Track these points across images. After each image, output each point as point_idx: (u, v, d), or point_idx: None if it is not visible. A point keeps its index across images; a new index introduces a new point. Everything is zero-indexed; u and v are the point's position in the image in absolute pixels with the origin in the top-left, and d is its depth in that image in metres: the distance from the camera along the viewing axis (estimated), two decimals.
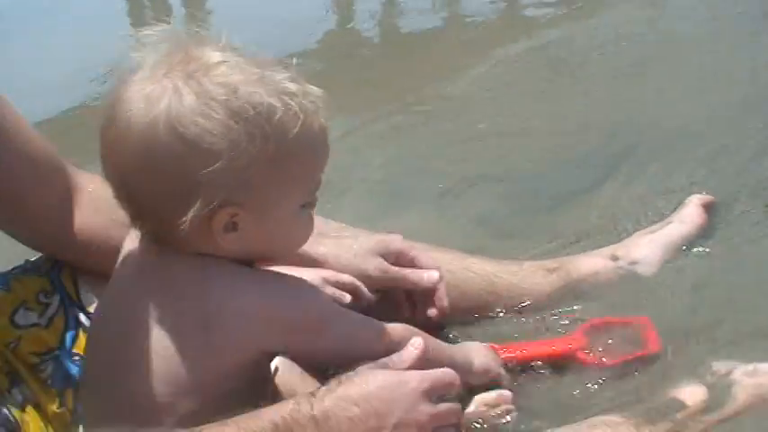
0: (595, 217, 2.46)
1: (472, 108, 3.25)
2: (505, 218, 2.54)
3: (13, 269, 1.69)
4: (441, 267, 1.86)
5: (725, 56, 3.38)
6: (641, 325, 1.90)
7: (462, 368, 1.59)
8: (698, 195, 2.32)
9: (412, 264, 1.82)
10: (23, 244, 1.69)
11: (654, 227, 2.25)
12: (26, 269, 1.70)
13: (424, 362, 1.47)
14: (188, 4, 5.10)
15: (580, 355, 1.86)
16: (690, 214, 2.26)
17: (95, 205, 1.66)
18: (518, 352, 1.86)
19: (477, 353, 1.71)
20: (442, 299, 1.85)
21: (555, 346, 1.89)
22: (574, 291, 2.07)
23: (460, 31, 4.23)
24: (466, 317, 1.99)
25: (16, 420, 1.50)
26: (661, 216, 2.31)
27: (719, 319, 1.94)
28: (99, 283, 1.67)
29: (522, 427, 1.69)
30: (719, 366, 1.77)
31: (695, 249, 2.20)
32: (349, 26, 4.56)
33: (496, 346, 1.82)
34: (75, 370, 1.61)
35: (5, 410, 1.50)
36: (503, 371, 1.74)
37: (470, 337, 1.93)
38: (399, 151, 2.95)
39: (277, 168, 1.34)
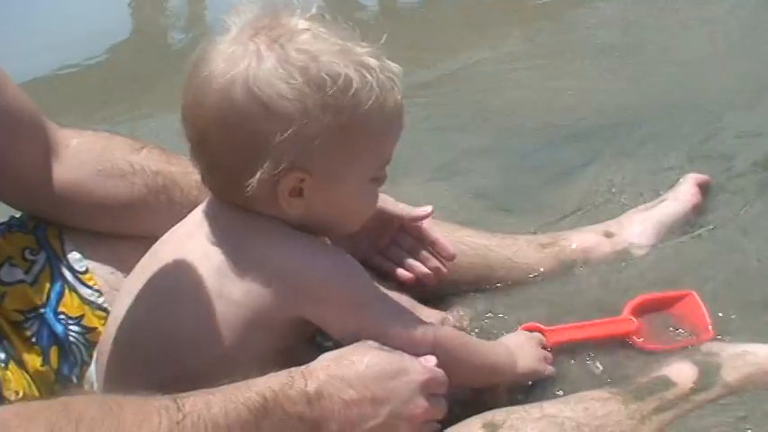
0: (591, 193, 2.46)
1: (470, 83, 3.25)
2: (501, 192, 2.54)
3: None
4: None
5: (724, 38, 3.40)
6: (688, 300, 1.88)
7: (503, 371, 1.62)
8: (693, 174, 2.31)
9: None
10: (6, 203, 1.68)
11: (648, 204, 2.24)
12: (11, 225, 1.68)
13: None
14: None
15: (635, 339, 1.82)
16: (684, 192, 2.24)
17: (79, 158, 1.65)
18: (568, 336, 1.79)
19: (523, 352, 1.66)
20: (447, 247, 1.87)
21: (607, 328, 1.83)
22: (567, 266, 2.06)
23: (460, 5, 4.21)
24: (458, 289, 1.98)
25: None
26: (656, 194, 2.31)
27: (711, 298, 1.93)
28: (85, 241, 1.67)
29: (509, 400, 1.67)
30: (707, 345, 1.77)
31: (689, 227, 2.19)
32: None
33: (544, 328, 1.78)
34: (59, 328, 1.60)
35: None
36: (549, 368, 1.70)
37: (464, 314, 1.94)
38: None
39: (347, 140, 1.37)
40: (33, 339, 1.58)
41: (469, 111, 3.04)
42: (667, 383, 1.65)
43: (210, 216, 1.47)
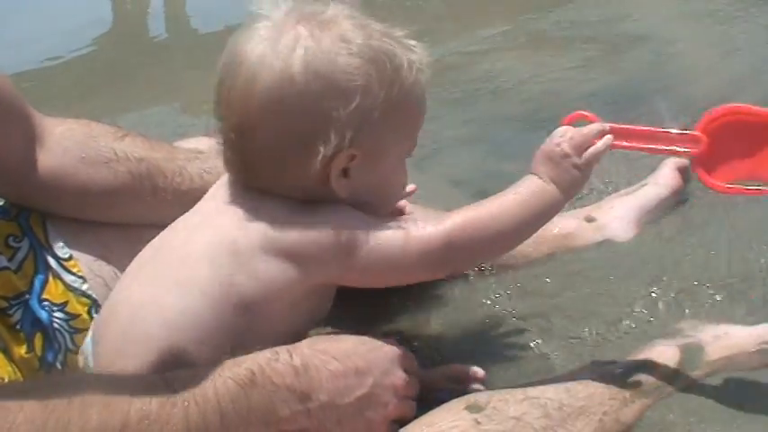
0: None
1: (450, 71, 3.24)
2: (482, 179, 2.53)
3: None
4: None
5: (706, 25, 3.42)
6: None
7: (544, 207, 1.56)
8: (674, 159, 2.30)
9: None
10: None
11: (629, 189, 2.26)
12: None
13: None
14: None
15: (700, 171, 1.59)
16: (665, 176, 2.25)
17: (63, 145, 1.65)
18: (627, 142, 1.57)
19: (548, 168, 1.56)
20: None
21: (672, 144, 1.57)
22: (548, 251, 2.07)
23: None
24: None
25: None
26: (638, 179, 2.31)
27: (692, 282, 1.95)
28: (68, 228, 1.67)
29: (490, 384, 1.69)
30: (689, 328, 1.79)
31: (670, 211, 2.21)
32: None
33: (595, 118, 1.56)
34: (43, 315, 1.59)
35: None
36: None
37: (444, 299, 1.96)
38: None
39: (396, 114, 1.41)
40: (18, 326, 1.58)
41: (449, 99, 3.04)
42: (650, 365, 1.66)
43: (233, 201, 1.46)
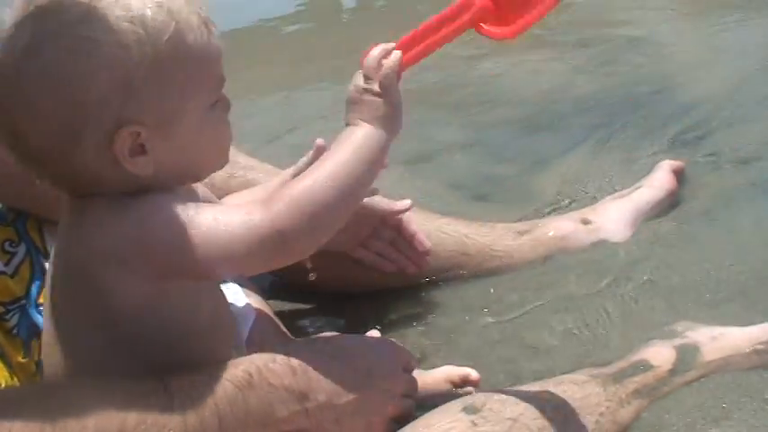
0: (568, 181, 2.48)
1: (446, 74, 3.25)
2: (479, 182, 2.56)
3: None
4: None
5: (710, 34, 3.43)
6: None
7: (366, 156, 1.36)
8: (668, 161, 2.33)
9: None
10: None
11: (624, 191, 2.26)
12: None
13: None
14: None
15: (482, 27, 1.48)
16: (660, 179, 2.27)
17: None
18: (420, 48, 1.44)
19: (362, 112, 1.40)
20: (423, 242, 1.90)
21: (459, 17, 1.46)
22: (543, 253, 2.08)
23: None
24: (437, 276, 2.02)
25: None
26: (633, 182, 2.32)
27: (687, 283, 1.96)
28: None
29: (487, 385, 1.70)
30: (685, 329, 1.79)
31: (665, 213, 2.22)
32: None
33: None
34: (40, 320, 1.59)
35: None
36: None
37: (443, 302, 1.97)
38: None
39: (161, 73, 1.23)
40: (15, 331, 1.58)
41: (445, 102, 3.06)
42: (646, 366, 1.67)
43: (66, 215, 1.34)
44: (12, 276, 1.61)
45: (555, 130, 2.77)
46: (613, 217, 2.16)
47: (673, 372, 1.67)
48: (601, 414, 1.55)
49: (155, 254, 1.25)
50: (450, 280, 2.02)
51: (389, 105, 1.38)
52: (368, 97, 1.37)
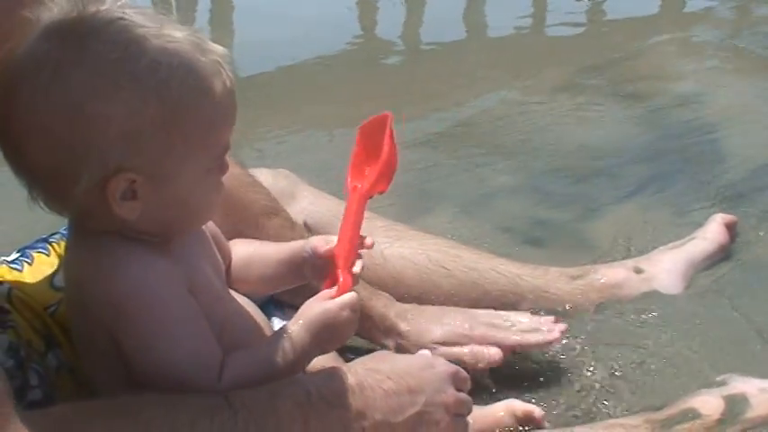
0: (620, 229, 2.50)
1: (501, 120, 3.28)
2: (531, 227, 2.57)
3: (52, 234, 1.68)
4: None
5: (763, 89, 3.46)
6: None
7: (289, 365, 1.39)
8: (721, 214, 2.34)
9: None
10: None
11: (677, 242, 2.28)
12: (65, 235, 1.70)
13: None
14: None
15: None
16: (712, 231, 2.28)
17: None
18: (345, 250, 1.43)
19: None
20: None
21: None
22: (596, 299, 2.10)
23: (485, 44, 4.32)
24: None
25: (52, 384, 1.49)
26: (683, 232, 2.34)
27: (738, 335, 1.98)
28: None
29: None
30: (736, 381, 1.79)
31: (716, 266, 2.24)
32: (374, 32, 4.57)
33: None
34: None
35: (42, 372, 1.48)
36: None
37: None
38: (427, 157, 2.97)
39: (174, 133, 1.24)
40: None
41: (500, 147, 3.08)
42: (694, 414, 1.69)
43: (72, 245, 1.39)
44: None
45: (607, 179, 2.80)
46: (666, 267, 2.17)
47: (721, 421, 1.68)
48: None
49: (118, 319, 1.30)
50: None
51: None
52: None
